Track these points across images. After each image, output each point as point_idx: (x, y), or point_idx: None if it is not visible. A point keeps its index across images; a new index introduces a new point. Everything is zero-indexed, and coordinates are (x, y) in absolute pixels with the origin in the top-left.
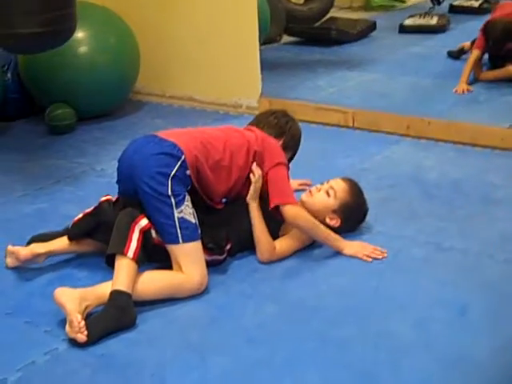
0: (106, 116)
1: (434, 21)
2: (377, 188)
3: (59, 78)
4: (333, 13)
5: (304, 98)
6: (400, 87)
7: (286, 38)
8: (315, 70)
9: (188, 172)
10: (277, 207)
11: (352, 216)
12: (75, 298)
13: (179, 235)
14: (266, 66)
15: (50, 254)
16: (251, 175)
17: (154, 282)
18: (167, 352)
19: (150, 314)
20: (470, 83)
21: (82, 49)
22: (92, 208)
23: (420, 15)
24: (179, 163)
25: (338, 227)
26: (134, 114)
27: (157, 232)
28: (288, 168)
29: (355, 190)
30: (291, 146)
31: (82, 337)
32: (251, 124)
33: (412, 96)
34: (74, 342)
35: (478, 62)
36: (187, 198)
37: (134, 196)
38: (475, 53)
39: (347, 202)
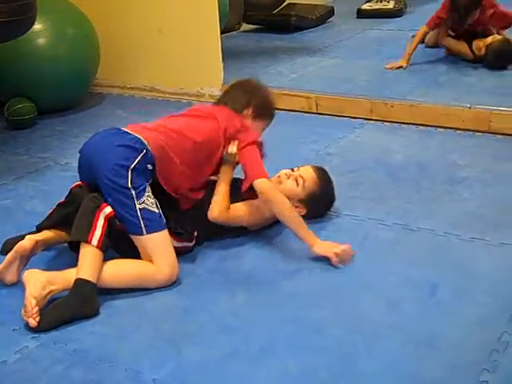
0: (68, 109)
1: (390, 5)
2: (343, 172)
3: (17, 71)
4: (290, 0)
5: (266, 85)
6: (361, 71)
7: (245, 26)
8: (276, 57)
9: (149, 166)
10: (251, 187)
11: (318, 206)
12: (40, 281)
13: (143, 226)
14: (227, 54)
15: (46, 242)
16: (229, 148)
17: (124, 270)
18: (141, 345)
19: (122, 308)
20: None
21: (40, 40)
22: (64, 198)
23: (377, 0)
24: (140, 156)
25: (302, 216)
26: (96, 106)
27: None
28: (260, 146)
29: (324, 180)
30: (263, 112)
31: (32, 322)
32: (218, 103)
33: (374, 80)
34: (44, 340)
35: (445, 29)
36: (148, 189)
37: (94, 187)
38: (424, 28)
39: (315, 192)
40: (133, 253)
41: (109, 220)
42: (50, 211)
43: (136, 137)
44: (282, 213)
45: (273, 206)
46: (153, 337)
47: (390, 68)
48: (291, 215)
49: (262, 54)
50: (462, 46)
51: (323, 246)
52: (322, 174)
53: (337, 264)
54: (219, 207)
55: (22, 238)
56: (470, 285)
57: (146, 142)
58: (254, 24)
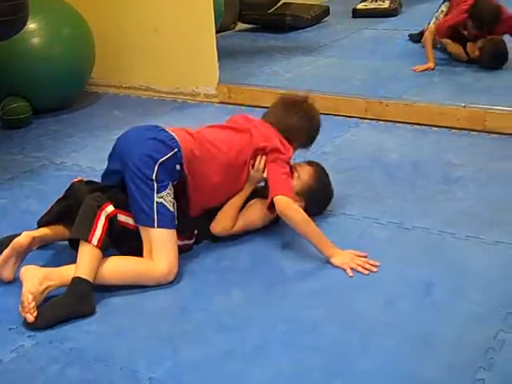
0: (63, 109)
1: (386, 4)
2: (338, 171)
3: (12, 71)
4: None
5: (262, 85)
6: (356, 71)
7: (240, 26)
8: (271, 56)
9: (178, 167)
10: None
11: (316, 198)
12: (37, 277)
13: (155, 219)
14: (222, 53)
15: (43, 239)
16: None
17: (123, 266)
18: (137, 344)
19: (119, 306)
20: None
21: (35, 40)
22: (63, 192)
23: None
24: (171, 153)
25: (302, 207)
26: (91, 106)
27: (129, 214)
28: (291, 167)
29: (320, 173)
30: (308, 144)
31: (30, 317)
32: (266, 119)
33: (368, 79)
34: (40, 339)
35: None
36: (170, 187)
37: (116, 174)
38: (432, 30)
39: (310, 184)
40: (134, 252)
41: (110, 219)
42: (49, 207)
43: (171, 134)
44: (302, 229)
45: (292, 224)
46: (149, 336)
47: (420, 70)
48: (311, 230)
49: (258, 53)
50: (457, 48)
51: (341, 258)
52: (317, 167)
53: (350, 274)
54: (224, 224)
55: (17, 236)
56: (465, 283)
57: (179, 143)
58: (249, 23)
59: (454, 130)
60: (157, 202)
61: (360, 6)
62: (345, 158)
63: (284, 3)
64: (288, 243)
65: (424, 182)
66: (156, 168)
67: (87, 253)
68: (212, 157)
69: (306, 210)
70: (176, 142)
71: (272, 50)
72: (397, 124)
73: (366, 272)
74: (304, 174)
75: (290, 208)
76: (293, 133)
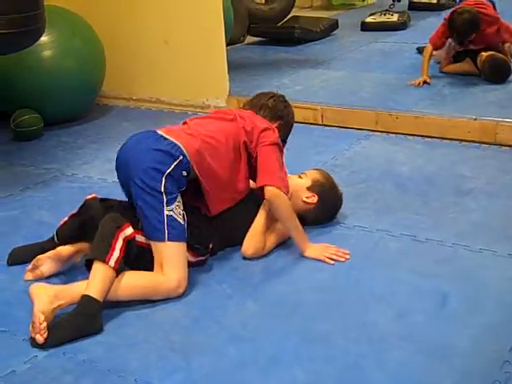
0: (74, 121)
1: (394, 18)
2: (350, 183)
3: (24, 83)
4: (294, 12)
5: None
6: (366, 83)
7: (249, 39)
8: (280, 69)
9: (184, 173)
10: (261, 187)
11: (326, 194)
12: (47, 296)
13: (165, 233)
14: (232, 66)
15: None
16: None
17: (131, 281)
18: (150, 355)
19: (131, 318)
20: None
21: (47, 53)
22: (77, 208)
23: (381, 13)
24: (176, 163)
25: (316, 206)
26: (102, 118)
27: (141, 232)
28: (281, 150)
29: (326, 174)
30: (284, 132)
31: (39, 338)
32: (246, 107)
33: (378, 92)
34: (53, 350)
35: (449, 53)
36: (179, 199)
37: (128, 187)
38: (429, 47)
39: (319, 180)
40: (150, 266)
41: (128, 242)
42: (62, 222)
43: (173, 142)
44: (286, 220)
45: (276, 212)
46: (162, 347)
47: (418, 84)
48: (293, 223)
49: (267, 66)
50: (466, 66)
51: (314, 250)
52: (323, 171)
53: (331, 263)
54: (256, 247)
55: (29, 247)
56: (480, 295)
57: (183, 148)
58: (258, 36)
59: (464, 143)
60: (167, 216)
61: (369, 19)
62: (356, 171)
63: (293, 16)
64: (300, 255)
65: (436, 194)
66: (163, 180)
67: (101, 273)
68: (214, 150)
69: (319, 209)
70: (179, 148)
71: (281, 63)
72: (407, 136)
73: (343, 259)
74: (312, 174)
75: (280, 198)
76: (267, 110)
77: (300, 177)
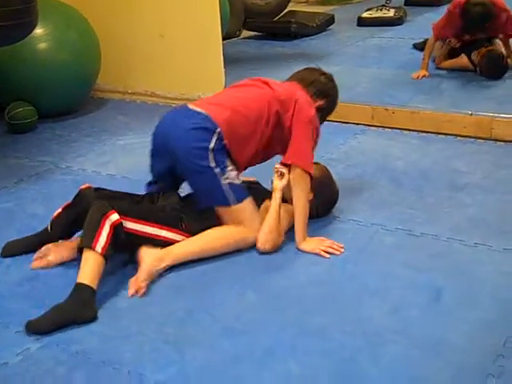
0: (68, 114)
1: (391, 13)
2: (346, 177)
3: (18, 76)
4: (290, 7)
5: None
6: (362, 78)
7: (245, 33)
8: (277, 64)
9: (224, 142)
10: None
11: (323, 190)
12: (154, 259)
13: (230, 199)
14: (228, 60)
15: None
16: (278, 171)
17: (221, 238)
18: (144, 347)
19: (125, 310)
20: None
21: (42, 45)
22: (72, 199)
23: (377, 8)
24: (216, 136)
25: (311, 202)
26: (97, 111)
27: (137, 221)
28: (317, 126)
29: (323, 169)
30: (326, 111)
31: (140, 291)
32: (292, 79)
33: (374, 87)
34: (46, 342)
35: (446, 49)
36: (229, 163)
37: (168, 170)
38: (432, 39)
39: (316, 176)
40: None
41: (115, 228)
42: (56, 213)
43: (205, 114)
44: (299, 201)
45: (295, 192)
46: (156, 339)
47: (417, 77)
48: (303, 212)
49: (263, 60)
50: (461, 61)
51: (310, 244)
52: (320, 164)
53: (326, 256)
54: (274, 244)
55: (22, 240)
56: (474, 290)
57: (214, 120)
58: (254, 31)
59: (460, 138)
60: (224, 184)
61: (365, 14)
62: (352, 165)
63: (289, 11)
64: (295, 249)
65: (431, 189)
66: (210, 155)
67: (90, 260)
68: (244, 119)
69: (314, 204)
70: (212, 121)
71: (277, 58)
72: (403, 131)
73: (338, 253)
74: None
75: (304, 181)
76: (318, 86)
77: None
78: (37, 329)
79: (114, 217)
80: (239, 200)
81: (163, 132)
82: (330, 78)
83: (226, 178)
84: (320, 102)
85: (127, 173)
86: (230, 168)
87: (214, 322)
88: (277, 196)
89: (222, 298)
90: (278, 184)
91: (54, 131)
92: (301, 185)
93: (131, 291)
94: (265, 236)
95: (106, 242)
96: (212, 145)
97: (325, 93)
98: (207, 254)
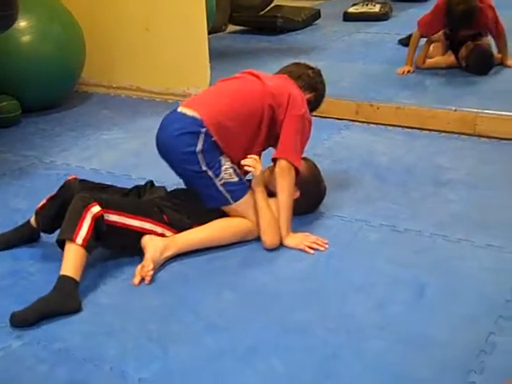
0: (53, 108)
1: (376, 8)
2: (330, 173)
3: (1, 69)
4: (276, 2)
5: None
6: (347, 74)
7: (231, 27)
8: (262, 58)
9: (213, 139)
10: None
11: (310, 189)
12: (159, 247)
13: (229, 198)
14: (214, 54)
15: None
16: (246, 166)
17: (227, 228)
18: (126, 344)
19: (108, 306)
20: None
21: (25, 38)
22: (57, 190)
23: (363, 3)
24: (202, 136)
25: (297, 201)
26: (81, 105)
27: (121, 213)
28: (309, 120)
29: (311, 166)
30: (314, 105)
31: (148, 278)
32: (282, 72)
33: (360, 82)
34: (27, 339)
35: (426, 49)
36: (222, 162)
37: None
38: (417, 34)
39: (304, 174)
40: (123, 246)
41: (96, 220)
42: (40, 204)
43: (193, 117)
44: (282, 195)
45: (278, 186)
46: (138, 336)
47: (402, 73)
48: (286, 206)
49: (249, 54)
50: (446, 59)
51: (294, 240)
52: (308, 160)
53: (311, 252)
54: (276, 239)
55: (3, 235)
56: (457, 286)
57: (202, 120)
58: (240, 25)
59: (444, 134)
60: (221, 185)
61: (351, 9)
62: (336, 160)
63: (275, 5)
64: (280, 245)
65: (415, 184)
66: (200, 158)
67: (72, 252)
68: (235, 114)
69: (300, 202)
70: (199, 122)
71: (263, 52)
72: (388, 127)
73: (322, 248)
74: None
75: (287, 174)
76: (306, 80)
77: None
78: (22, 320)
79: (96, 209)
80: (238, 198)
81: (158, 139)
82: (317, 73)
83: (221, 179)
84: (308, 96)
85: (111, 168)
86: (224, 167)
87: (196, 318)
88: (258, 192)
89: (205, 295)
90: (253, 182)
91: (38, 125)
92: (285, 178)
93: (137, 279)
94: (267, 236)
95: (86, 234)
96: (199, 147)
97: (312, 86)
98: (213, 243)
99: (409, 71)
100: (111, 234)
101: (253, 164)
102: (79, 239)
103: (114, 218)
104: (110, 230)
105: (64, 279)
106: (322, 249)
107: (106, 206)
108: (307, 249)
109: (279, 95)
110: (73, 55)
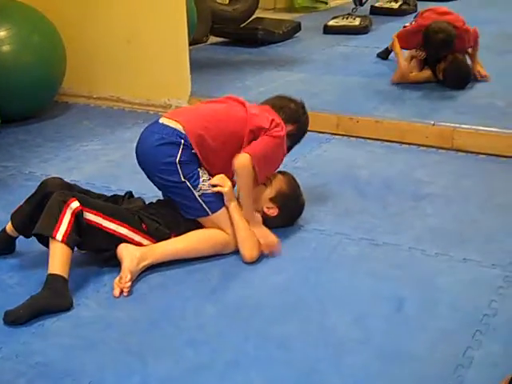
0: (32, 118)
1: (356, 22)
2: (310, 186)
3: None
4: (257, 14)
5: None
6: (327, 86)
7: (212, 39)
8: (243, 70)
9: (193, 151)
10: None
11: (289, 204)
12: (135, 257)
13: (206, 209)
14: (195, 66)
15: None
16: (214, 186)
17: (205, 240)
18: (106, 357)
19: (88, 319)
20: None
21: (5, 48)
22: (35, 189)
23: (343, 16)
24: (181, 148)
25: (275, 216)
26: (61, 116)
27: (97, 213)
28: (283, 150)
29: (290, 180)
30: (295, 138)
31: (125, 291)
32: (265, 103)
33: (340, 95)
34: (5, 353)
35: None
36: (200, 173)
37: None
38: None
39: (283, 190)
40: (98, 249)
41: (76, 216)
42: (17, 207)
43: (172, 128)
44: (241, 190)
45: (237, 181)
46: (118, 349)
47: (401, 75)
48: (247, 198)
49: (230, 67)
50: (424, 74)
51: (261, 232)
52: (288, 175)
53: (265, 251)
54: (256, 248)
55: None
56: (435, 300)
57: (183, 131)
58: (221, 37)
59: (422, 148)
60: (199, 196)
61: (331, 22)
62: (316, 174)
63: (256, 18)
64: (260, 257)
65: (394, 198)
66: (179, 169)
67: (56, 250)
68: (217, 132)
69: (278, 217)
70: (179, 132)
71: (244, 64)
72: (368, 140)
73: (272, 256)
74: (276, 181)
75: (247, 169)
76: (287, 112)
77: (265, 184)
78: (15, 318)
79: (75, 204)
80: (216, 209)
81: (138, 150)
82: (300, 105)
83: (199, 190)
84: (289, 128)
85: (91, 179)
86: (202, 178)
87: (177, 332)
88: (232, 208)
89: (186, 307)
90: (225, 199)
91: (18, 136)
92: (242, 175)
93: (117, 291)
94: (246, 250)
95: (66, 229)
96: (178, 158)
97: (294, 119)
98: (190, 255)
99: (405, 70)
100: (87, 233)
101: (220, 182)
102: (59, 235)
103: (90, 216)
104: (87, 229)
105: (53, 278)
106: (271, 255)
107: (84, 204)
108: (263, 247)
109: (262, 121)
110: (53, 65)
